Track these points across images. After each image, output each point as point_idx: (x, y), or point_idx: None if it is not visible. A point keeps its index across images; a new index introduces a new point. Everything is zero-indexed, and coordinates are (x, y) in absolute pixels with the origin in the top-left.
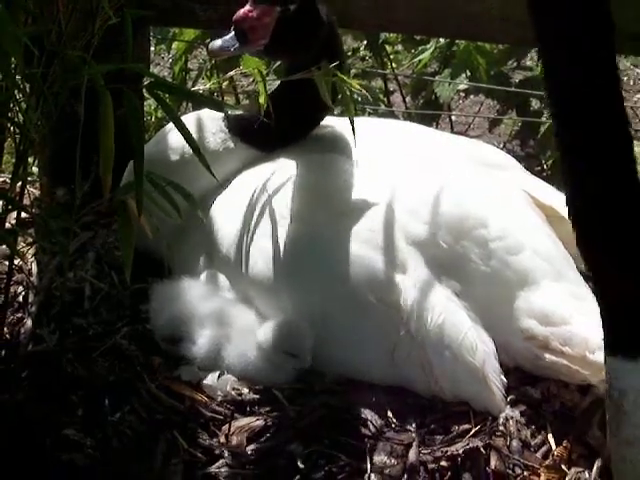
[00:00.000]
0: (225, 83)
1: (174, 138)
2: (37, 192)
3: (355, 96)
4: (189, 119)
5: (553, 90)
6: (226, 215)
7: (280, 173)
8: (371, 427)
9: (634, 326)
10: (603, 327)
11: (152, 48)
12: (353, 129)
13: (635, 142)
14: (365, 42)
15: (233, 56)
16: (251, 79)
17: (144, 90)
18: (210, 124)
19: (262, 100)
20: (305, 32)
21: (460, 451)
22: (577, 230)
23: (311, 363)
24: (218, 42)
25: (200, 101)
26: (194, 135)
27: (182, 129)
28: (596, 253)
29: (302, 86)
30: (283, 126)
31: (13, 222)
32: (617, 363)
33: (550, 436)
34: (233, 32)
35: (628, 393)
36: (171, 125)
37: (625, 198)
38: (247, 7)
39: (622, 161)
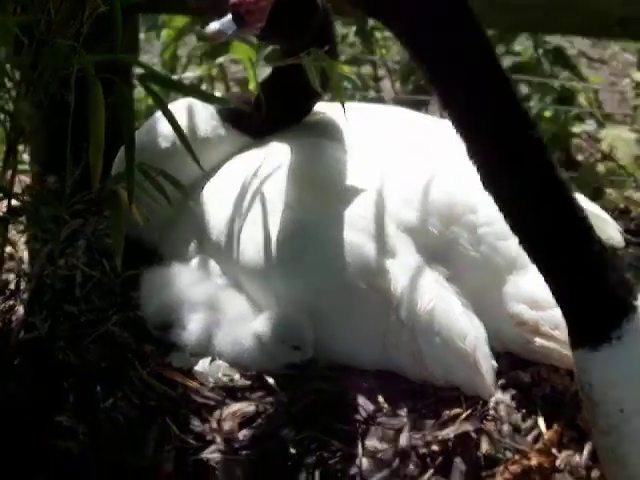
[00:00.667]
0: (215, 70)
1: (165, 126)
2: (28, 180)
3: (345, 83)
4: (180, 105)
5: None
6: (216, 201)
7: (271, 159)
8: (363, 412)
9: (592, 314)
10: (565, 321)
11: (142, 35)
12: (344, 114)
13: (627, 127)
14: (354, 28)
15: (225, 42)
16: (241, 66)
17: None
18: (201, 111)
19: (252, 87)
20: (300, 17)
21: (451, 435)
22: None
23: (312, 354)
24: (216, 25)
25: (191, 93)
26: (185, 122)
27: (171, 120)
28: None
29: (292, 72)
30: (274, 113)
31: (4, 210)
32: (582, 355)
33: (541, 420)
34: (230, 15)
35: (594, 385)
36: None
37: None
38: None
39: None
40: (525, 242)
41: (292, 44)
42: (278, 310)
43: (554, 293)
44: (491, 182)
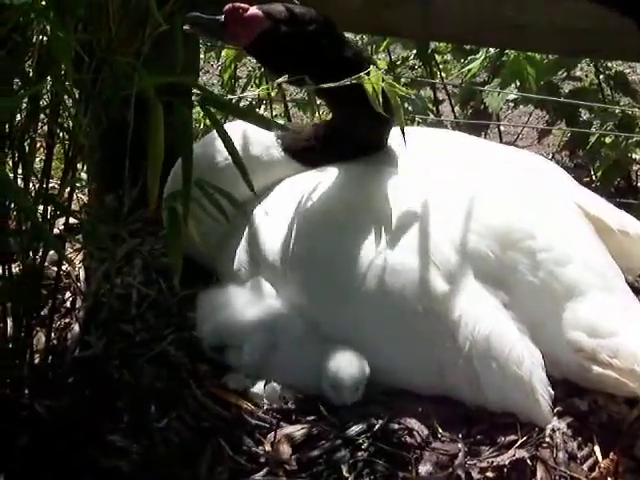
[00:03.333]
0: (274, 91)
1: (221, 143)
2: (85, 198)
3: (405, 105)
4: (238, 127)
5: None
6: (271, 221)
7: (326, 183)
8: (417, 437)
9: None
10: None
11: (201, 55)
12: (404, 136)
13: None
14: (414, 51)
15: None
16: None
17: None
18: (260, 134)
19: (311, 111)
20: (291, 54)
21: (506, 462)
22: None
23: (350, 401)
24: (202, 18)
25: (249, 117)
26: (242, 143)
27: (227, 143)
28: None
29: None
30: (339, 150)
31: (61, 228)
32: None
33: (597, 448)
34: (222, 18)
35: None
36: None
37: None
38: (248, 6)
39: None
40: None
41: (275, 72)
42: (334, 347)
43: None
44: None
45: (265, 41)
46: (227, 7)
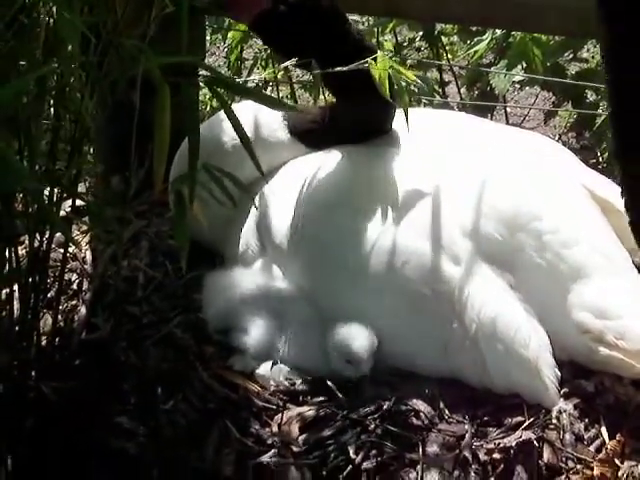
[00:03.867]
0: (280, 73)
1: (226, 125)
2: (92, 180)
3: (412, 87)
4: (245, 107)
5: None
6: (278, 203)
7: (332, 164)
8: (423, 418)
9: None
10: None
11: (208, 37)
12: (407, 120)
13: None
14: (421, 33)
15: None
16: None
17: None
18: (266, 115)
19: (316, 93)
20: (291, 34)
21: (513, 444)
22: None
23: (367, 373)
24: None
25: (257, 98)
26: (248, 124)
27: (235, 123)
28: None
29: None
30: (343, 133)
31: (68, 210)
32: None
33: (604, 430)
34: None
35: None
36: None
37: None
38: None
39: None
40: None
41: (280, 52)
42: (341, 323)
43: None
44: None
45: (266, 20)
46: None
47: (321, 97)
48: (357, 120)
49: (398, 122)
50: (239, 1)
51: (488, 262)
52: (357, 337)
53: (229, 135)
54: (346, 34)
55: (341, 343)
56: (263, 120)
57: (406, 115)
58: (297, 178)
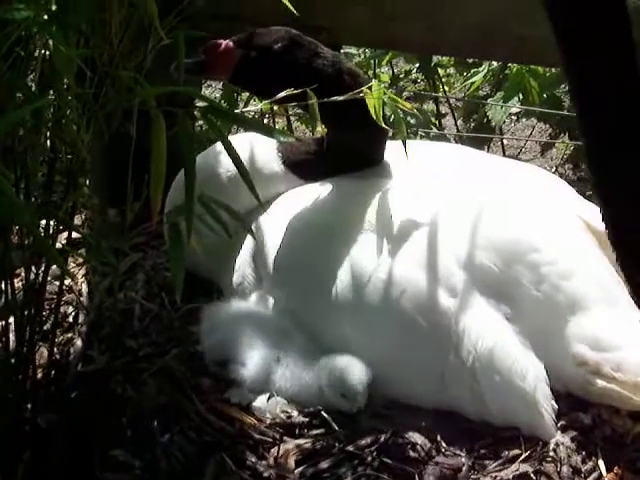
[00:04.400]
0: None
1: (223, 155)
2: (88, 212)
3: (409, 119)
4: (241, 140)
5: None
6: (273, 235)
7: (327, 195)
8: (420, 451)
9: None
10: None
11: None
12: (405, 150)
13: None
14: (417, 65)
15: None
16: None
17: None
18: (261, 147)
19: (316, 125)
20: (267, 77)
21: (510, 476)
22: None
23: (364, 406)
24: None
25: (252, 127)
26: (244, 156)
27: (232, 153)
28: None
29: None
30: (335, 164)
31: (64, 242)
32: None
33: (601, 462)
34: (203, 56)
35: None
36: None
37: None
38: (223, 41)
39: None
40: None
41: (265, 95)
42: (336, 356)
43: None
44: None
45: (242, 70)
46: (208, 44)
47: (319, 129)
48: (349, 151)
49: (392, 153)
50: (213, 61)
51: (485, 294)
52: (352, 371)
53: (224, 166)
54: (318, 60)
55: (336, 378)
56: (258, 151)
57: (404, 145)
58: (292, 210)
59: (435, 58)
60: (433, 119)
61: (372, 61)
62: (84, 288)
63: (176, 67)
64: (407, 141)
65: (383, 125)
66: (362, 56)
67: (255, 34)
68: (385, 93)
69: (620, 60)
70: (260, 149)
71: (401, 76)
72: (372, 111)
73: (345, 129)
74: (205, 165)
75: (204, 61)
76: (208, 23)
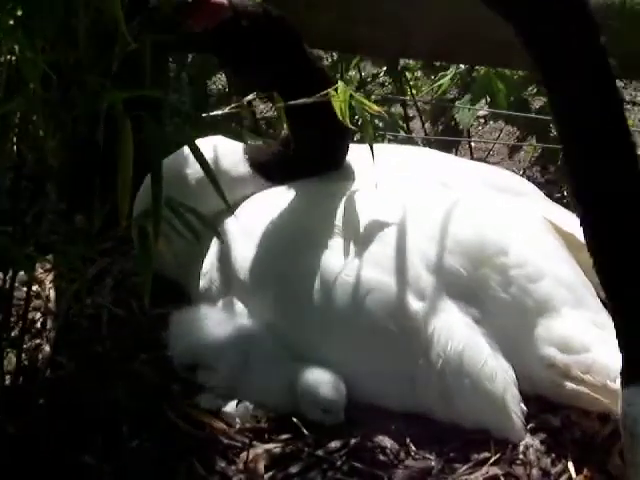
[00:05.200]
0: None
1: (191, 157)
2: (55, 218)
3: (376, 122)
4: (208, 143)
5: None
6: (242, 240)
7: (294, 199)
8: (390, 455)
9: None
10: (621, 354)
11: (171, 74)
12: (372, 154)
13: None
14: (384, 68)
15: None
16: (270, 105)
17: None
18: (227, 150)
19: (283, 126)
20: (247, 51)
21: (480, 479)
22: (594, 255)
23: (342, 418)
24: None
25: (219, 130)
26: (211, 159)
27: (199, 156)
28: (611, 271)
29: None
30: (299, 167)
31: (31, 248)
32: (632, 391)
33: (570, 464)
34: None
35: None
36: None
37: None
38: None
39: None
40: (603, 274)
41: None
42: (314, 370)
43: (615, 325)
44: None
45: (224, 32)
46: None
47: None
48: (311, 152)
49: (360, 156)
50: (200, 6)
51: (453, 297)
52: (331, 386)
53: (192, 169)
54: (307, 59)
55: (315, 393)
56: (225, 154)
57: (371, 148)
58: (259, 213)
59: (402, 61)
60: (401, 122)
61: (339, 64)
62: (52, 294)
63: None
64: (375, 145)
65: (350, 126)
66: (329, 59)
67: (251, 6)
68: (352, 96)
69: (596, 72)
70: (227, 152)
71: (368, 79)
72: (338, 113)
73: (311, 131)
74: (172, 168)
75: (190, 3)
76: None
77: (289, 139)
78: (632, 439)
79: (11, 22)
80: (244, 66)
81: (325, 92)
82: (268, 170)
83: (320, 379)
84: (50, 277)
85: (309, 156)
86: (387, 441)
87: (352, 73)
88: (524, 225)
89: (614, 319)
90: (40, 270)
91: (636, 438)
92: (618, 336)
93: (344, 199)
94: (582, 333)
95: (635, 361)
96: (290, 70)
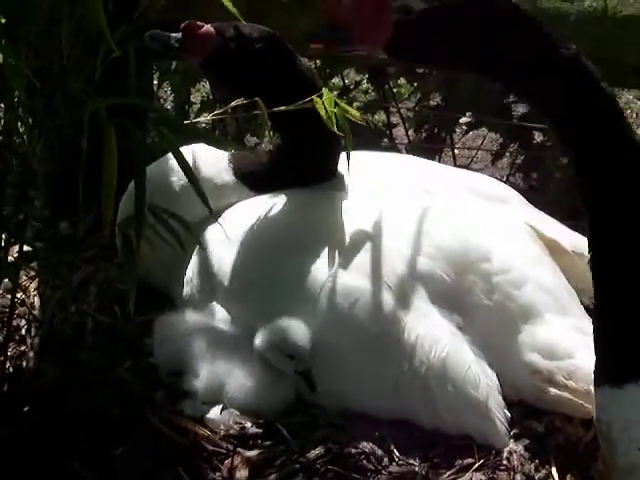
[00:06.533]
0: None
1: (174, 165)
2: (39, 225)
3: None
4: (192, 151)
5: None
6: (225, 247)
7: (277, 207)
8: (374, 461)
9: (624, 354)
10: (595, 356)
11: (155, 82)
12: (348, 161)
13: None
14: (367, 75)
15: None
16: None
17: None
18: (213, 160)
19: (264, 131)
20: (240, 71)
21: None
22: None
23: (311, 365)
24: (161, 34)
25: (203, 138)
26: (196, 167)
27: (183, 164)
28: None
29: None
30: (287, 177)
31: (15, 255)
32: (604, 393)
33: (554, 470)
34: (180, 34)
35: (613, 423)
36: None
37: None
38: (204, 24)
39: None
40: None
41: (227, 89)
42: (277, 320)
43: (596, 325)
44: None
45: (216, 58)
46: (185, 23)
47: (267, 138)
48: (300, 163)
49: (343, 165)
50: (195, 38)
51: (437, 303)
52: (296, 331)
53: (175, 176)
54: (294, 67)
55: (280, 339)
56: (209, 162)
57: (348, 156)
58: (243, 221)
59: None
60: (384, 129)
61: (323, 71)
62: (36, 301)
63: (151, 35)
64: (358, 152)
65: (336, 132)
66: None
67: (236, 27)
68: (337, 104)
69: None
70: (211, 160)
71: (351, 87)
72: (324, 119)
73: (300, 139)
74: (156, 175)
75: (180, 39)
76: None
77: (277, 150)
78: (607, 444)
79: None
80: (237, 83)
81: (310, 98)
82: (253, 180)
83: (285, 326)
84: (34, 284)
85: (301, 168)
86: (371, 447)
87: (335, 80)
88: (507, 231)
89: (596, 319)
90: (24, 277)
91: (611, 443)
92: (596, 337)
93: (328, 207)
94: (565, 339)
95: (610, 360)
96: (280, 80)
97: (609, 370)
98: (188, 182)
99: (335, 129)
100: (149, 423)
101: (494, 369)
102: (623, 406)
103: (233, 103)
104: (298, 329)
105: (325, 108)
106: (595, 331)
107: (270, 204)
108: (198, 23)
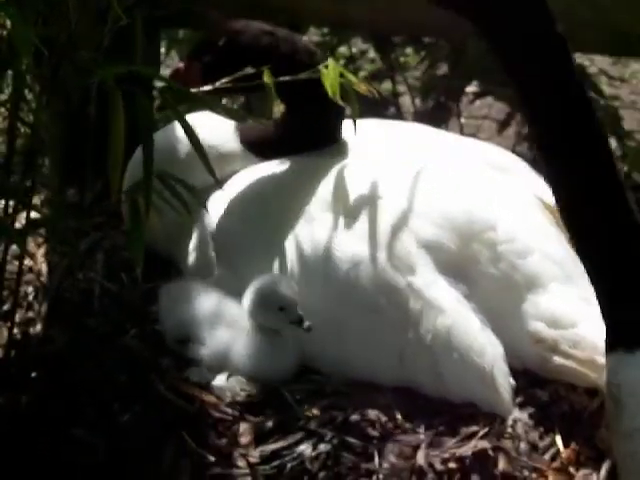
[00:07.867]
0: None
1: (180, 133)
2: (47, 192)
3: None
4: (198, 119)
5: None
6: (233, 215)
7: (282, 174)
8: (379, 429)
9: (634, 318)
10: (604, 323)
11: (162, 50)
12: (355, 128)
13: None
14: (374, 44)
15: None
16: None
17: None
18: (220, 127)
19: (270, 102)
20: (232, 71)
21: (469, 453)
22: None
23: (301, 315)
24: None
25: (210, 106)
26: (202, 135)
27: (189, 132)
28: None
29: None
30: (293, 143)
31: (23, 222)
32: (616, 358)
33: (558, 438)
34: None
35: (624, 385)
36: None
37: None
38: (180, 64)
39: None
40: (578, 237)
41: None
42: (260, 277)
43: (597, 293)
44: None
45: (210, 73)
46: (170, 74)
47: (275, 109)
48: (306, 128)
49: (349, 132)
50: (184, 83)
51: (442, 272)
52: (280, 282)
53: (182, 144)
54: (275, 47)
55: (270, 292)
56: (215, 129)
57: (354, 123)
58: (248, 188)
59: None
60: (391, 98)
61: (330, 40)
62: (44, 268)
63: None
64: (364, 119)
65: (340, 103)
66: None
67: (202, 44)
68: (342, 75)
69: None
70: (218, 127)
71: (357, 56)
72: (329, 90)
73: (302, 107)
74: (162, 142)
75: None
76: (166, 3)
77: (282, 118)
78: (616, 406)
79: None
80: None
81: (315, 69)
82: (260, 147)
83: (269, 280)
84: (42, 251)
85: (306, 132)
86: (376, 415)
87: (342, 49)
88: (513, 200)
89: (596, 284)
90: (32, 244)
91: (620, 404)
92: (600, 301)
93: (334, 173)
94: (570, 308)
95: (619, 326)
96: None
97: (619, 335)
98: (190, 153)
99: (339, 100)
100: (155, 390)
101: (499, 338)
102: (634, 369)
103: (240, 73)
104: (282, 280)
105: (330, 80)
106: (597, 293)
107: (276, 171)
108: (178, 67)
